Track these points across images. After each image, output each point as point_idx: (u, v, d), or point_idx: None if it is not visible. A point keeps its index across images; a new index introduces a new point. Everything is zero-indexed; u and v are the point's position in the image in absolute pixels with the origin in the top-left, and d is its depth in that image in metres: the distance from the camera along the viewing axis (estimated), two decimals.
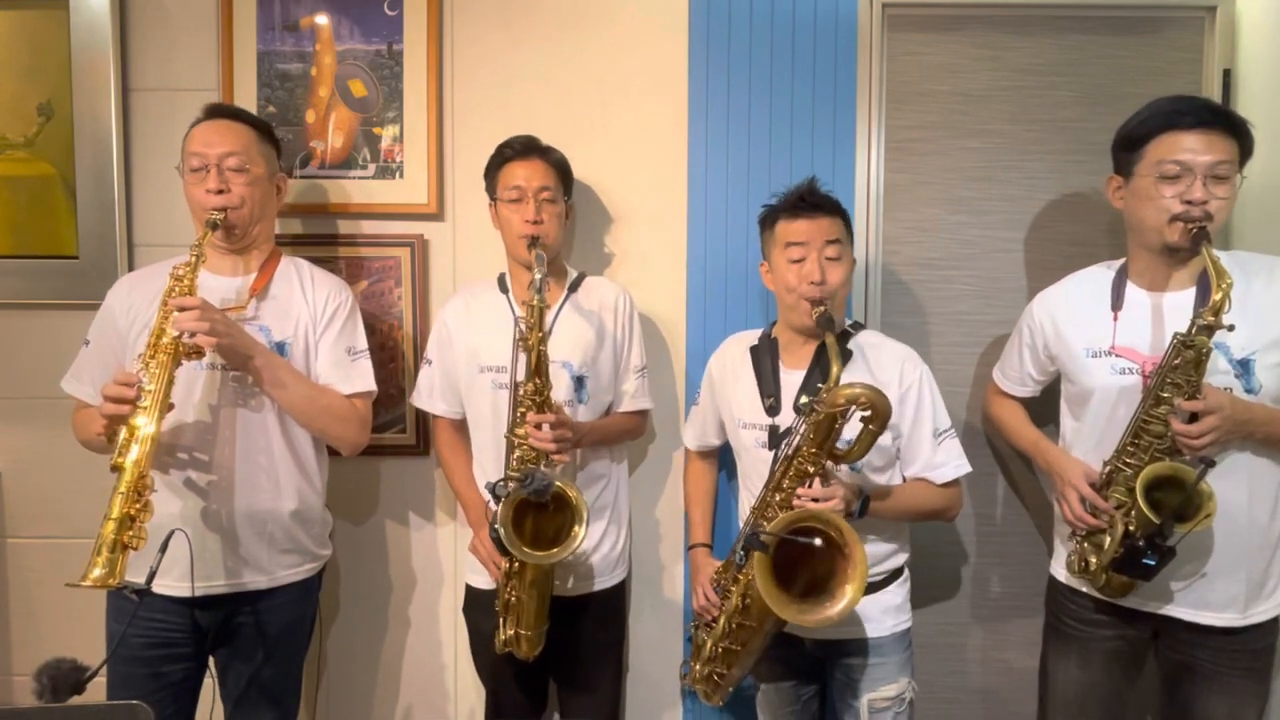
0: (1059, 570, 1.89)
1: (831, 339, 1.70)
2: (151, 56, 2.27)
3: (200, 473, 1.81)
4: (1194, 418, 1.61)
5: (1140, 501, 1.61)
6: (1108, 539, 1.69)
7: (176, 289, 1.74)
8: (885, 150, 2.28)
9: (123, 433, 1.63)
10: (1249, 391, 1.67)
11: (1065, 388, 1.90)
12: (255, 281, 1.90)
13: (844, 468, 1.75)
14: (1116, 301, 1.78)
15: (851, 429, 1.66)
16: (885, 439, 1.78)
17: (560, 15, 2.27)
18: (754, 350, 1.94)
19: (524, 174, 1.97)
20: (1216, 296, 1.57)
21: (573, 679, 2.09)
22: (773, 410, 1.85)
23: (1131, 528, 1.65)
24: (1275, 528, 1.71)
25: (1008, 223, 2.29)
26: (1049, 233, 2.28)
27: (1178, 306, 1.71)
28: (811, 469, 1.68)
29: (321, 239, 2.28)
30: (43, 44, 2.25)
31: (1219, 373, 1.67)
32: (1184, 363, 1.60)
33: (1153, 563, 1.62)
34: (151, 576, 1.53)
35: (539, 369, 1.81)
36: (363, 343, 1.99)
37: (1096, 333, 1.79)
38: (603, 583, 2.04)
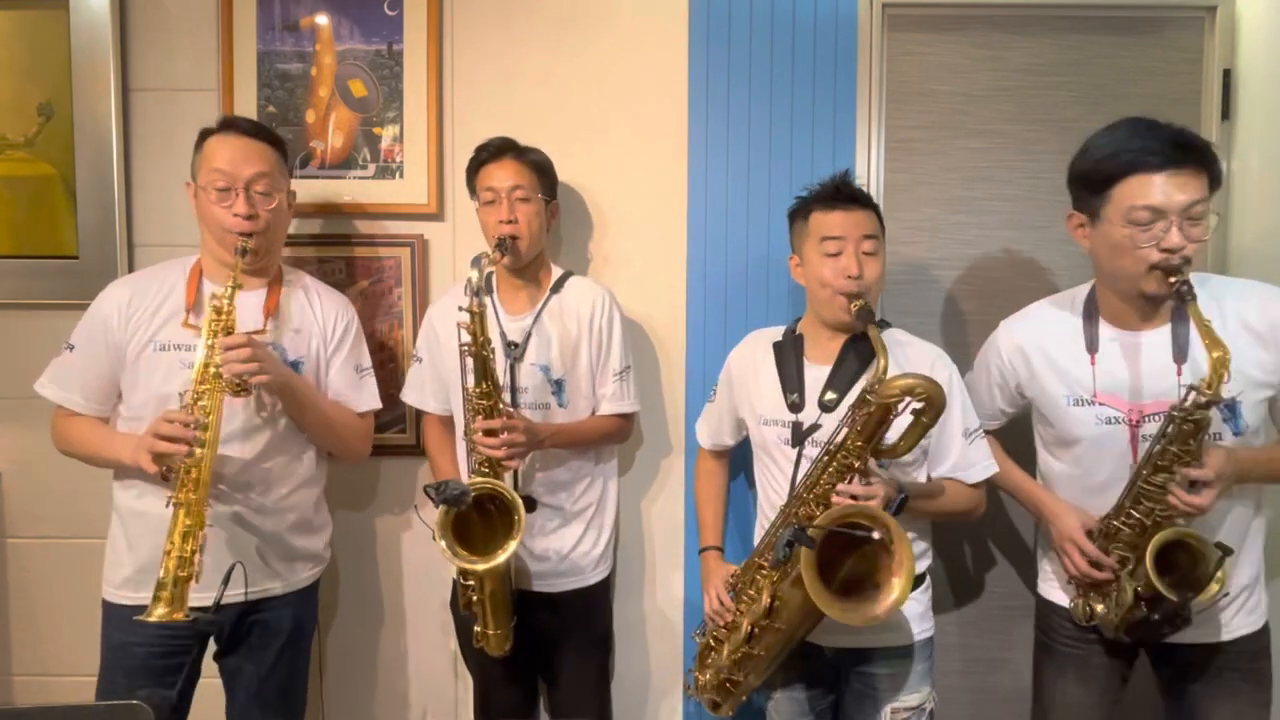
0: (1047, 590, 1.86)
1: (874, 331, 1.66)
2: (151, 56, 2.27)
3: (216, 486, 1.80)
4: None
5: (1156, 583, 1.56)
6: (1114, 598, 1.65)
7: (216, 323, 1.73)
8: (885, 150, 2.28)
9: (179, 470, 1.66)
10: (1236, 433, 1.64)
11: (1042, 430, 1.84)
12: (267, 301, 1.90)
13: (873, 463, 1.69)
14: (1091, 343, 1.72)
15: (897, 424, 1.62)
16: None
17: (560, 15, 2.27)
18: (778, 346, 1.90)
19: (497, 175, 1.97)
20: (1210, 372, 1.48)
21: (557, 676, 2.09)
22: (796, 407, 1.81)
23: (1140, 591, 1.60)
24: (1238, 554, 1.67)
25: (1008, 223, 2.29)
26: (1049, 233, 2.28)
27: (1154, 345, 1.66)
28: (856, 464, 1.63)
29: (321, 239, 2.28)
30: (43, 44, 2.25)
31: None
32: (1181, 434, 1.54)
33: (1167, 629, 1.62)
34: (218, 606, 1.58)
35: (485, 374, 1.81)
36: (368, 360, 2.04)
37: (1076, 379, 1.72)
38: (583, 580, 2.05)
